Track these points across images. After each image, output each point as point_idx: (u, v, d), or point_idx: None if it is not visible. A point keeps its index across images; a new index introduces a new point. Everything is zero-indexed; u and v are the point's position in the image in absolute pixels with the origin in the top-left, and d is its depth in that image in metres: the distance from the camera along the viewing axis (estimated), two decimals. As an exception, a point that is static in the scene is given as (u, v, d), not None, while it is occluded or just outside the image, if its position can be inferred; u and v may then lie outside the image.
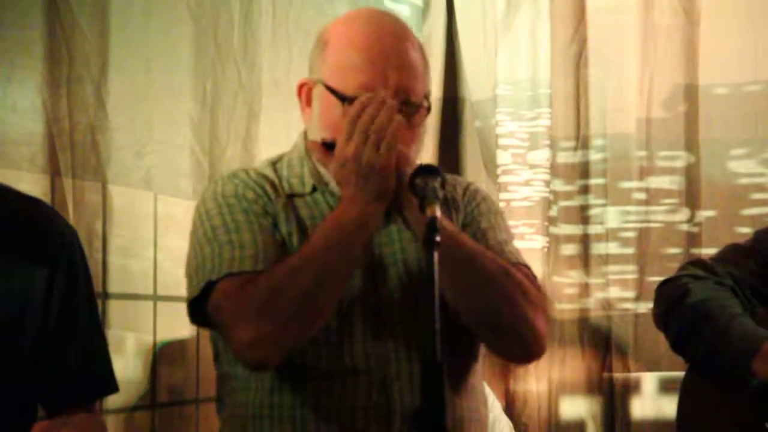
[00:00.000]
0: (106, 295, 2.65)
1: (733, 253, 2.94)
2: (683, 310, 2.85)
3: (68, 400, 2.03)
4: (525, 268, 2.18)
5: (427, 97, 2.17)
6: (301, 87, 2.21)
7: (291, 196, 2.15)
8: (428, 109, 2.17)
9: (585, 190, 4.24)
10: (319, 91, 2.15)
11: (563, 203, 4.25)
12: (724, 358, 2.77)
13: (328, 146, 2.10)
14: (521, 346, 2.14)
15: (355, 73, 2.10)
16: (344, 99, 2.09)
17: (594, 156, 4.24)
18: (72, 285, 2.00)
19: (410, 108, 2.11)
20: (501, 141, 4.28)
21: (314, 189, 2.16)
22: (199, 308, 2.08)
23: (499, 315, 2.08)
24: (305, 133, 2.23)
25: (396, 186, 2.02)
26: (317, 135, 2.15)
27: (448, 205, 2.22)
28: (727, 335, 2.76)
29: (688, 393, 2.94)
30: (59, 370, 2.00)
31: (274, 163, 2.23)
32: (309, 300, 1.97)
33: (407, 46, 2.14)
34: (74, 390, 2.03)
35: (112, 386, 2.12)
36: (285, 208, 2.13)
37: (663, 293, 2.95)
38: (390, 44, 2.12)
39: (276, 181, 2.17)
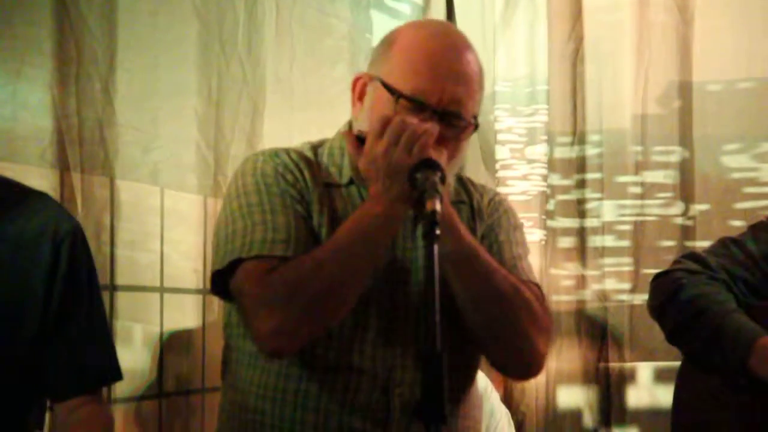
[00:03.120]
0: (114, 287, 2.65)
1: (726, 247, 2.93)
2: (678, 305, 2.86)
3: (72, 389, 2.03)
4: (534, 287, 2.19)
5: (475, 116, 2.16)
6: (356, 80, 2.20)
7: (328, 186, 2.15)
8: (476, 128, 2.16)
9: (582, 184, 4.28)
10: (374, 87, 2.14)
11: (560, 197, 4.29)
12: (719, 354, 2.78)
13: (362, 140, 2.08)
14: (520, 363, 2.17)
15: (414, 76, 2.09)
16: (399, 96, 2.09)
17: (590, 151, 4.27)
18: (73, 276, 2.01)
19: (460, 122, 2.11)
20: (499, 136, 4.31)
21: (351, 181, 2.16)
22: (221, 279, 2.09)
23: (504, 331, 2.10)
24: (349, 124, 2.22)
25: None
26: (360, 128, 2.14)
27: (474, 213, 2.25)
28: (721, 332, 2.77)
29: (684, 381, 2.94)
30: (61, 360, 2.00)
31: (315, 148, 2.22)
32: (330, 293, 1.98)
33: (470, 62, 2.14)
34: (77, 379, 2.03)
35: (115, 375, 2.12)
36: (320, 198, 2.13)
37: (657, 286, 2.95)
38: (453, 57, 2.12)
39: (316, 167, 2.17)
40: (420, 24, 2.28)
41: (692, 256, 2.98)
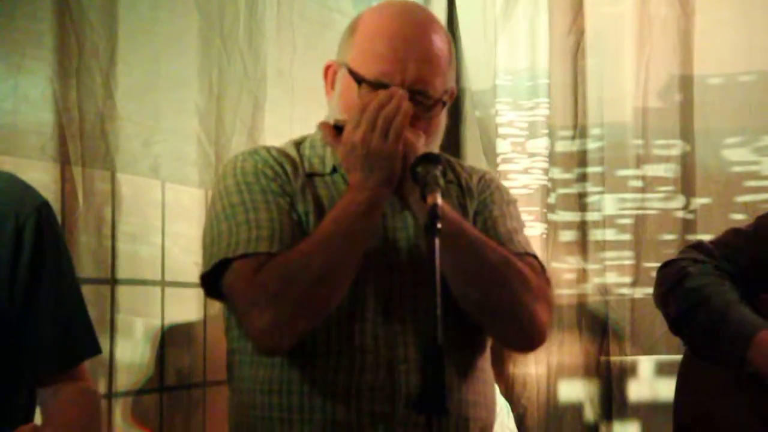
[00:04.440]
0: (115, 281, 2.67)
1: (733, 238, 2.92)
2: (682, 293, 2.85)
3: (49, 368, 2.00)
4: (532, 259, 2.19)
5: (447, 91, 2.17)
6: (327, 68, 2.22)
7: (310, 176, 2.16)
8: (444, 104, 2.17)
9: (583, 177, 4.27)
10: (342, 74, 2.16)
11: (561, 191, 4.29)
12: (720, 344, 2.77)
13: (339, 129, 2.10)
14: (521, 335, 2.16)
15: (376, 60, 2.11)
16: (360, 81, 2.11)
17: (591, 145, 4.27)
18: (39, 256, 1.97)
19: (427, 100, 2.12)
20: (500, 130, 4.31)
21: (334, 170, 2.17)
22: (212, 282, 2.10)
23: (499, 304, 2.10)
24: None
25: (402, 173, 2.03)
26: (335, 116, 2.16)
27: (463, 192, 2.24)
28: (723, 322, 2.76)
29: (686, 373, 2.93)
30: (33, 340, 1.97)
31: (297, 144, 2.23)
32: (320, 285, 1.99)
33: (433, 39, 2.14)
34: (52, 358, 1.99)
35: (91, 349, 2.08)
36: (303, 188, 2.13)
37: (663, 275, 2.94)
38: (415, 36, 2.12)
39: (297, 160, 2.18)
40: (382, 6, 2.26)
41: (699, 246, 2.97)
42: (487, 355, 2.25)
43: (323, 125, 2.19)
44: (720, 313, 2.78)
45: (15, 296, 1.95)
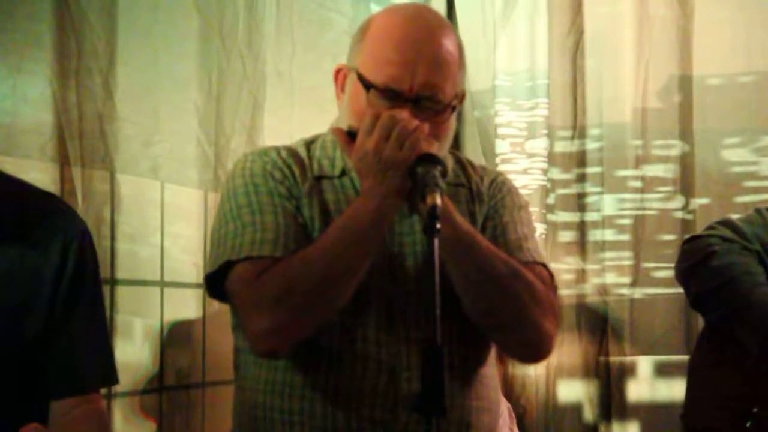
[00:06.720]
0: (114, 281, 2.67)
1: (763, 217, 2.89)
2: (706, 271, 2.82)
3: (68, 389, 2.03)
4: (540, 267, 2.19)
5: (457, 96, 2.15)
6: (338, 72, 2.21)
7: (319, 178, 2.15)
8: (453, 108, 2.14)
9: (582, 178, 4.27)
10: (351, 78, 2.15)
11: (561, 191, 4.29)
12: (743, 327, 2.76)
13: (352, 135, 2.08)
14: (527, 347, 2.17)
15: (385, 65, 2.08)
16: (369, 87, 2.09)
17: (591, 145, 4.27)
18: (79, 278, 2.01)
19: (437, 105, 2.10)
20: (500, 130, 4.30)
21: (343, 172, 2.17)
22: (216, 282, 2.10)
23: (507, 317, 2.10)
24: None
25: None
26: (345, 121, 2.15)
27: (473, 196, 2.23)
28: (748, 304, 2.74)
29: (695, 374, 2.93)
30: (59, 360, 2.00)
31: (308, 144, 2.23)
32: (322, 292, 1.98)
33: (443, 44, 2.12)
34: (73, 380, 2.03)
35: (112, 378, 2.13)
36: (311, 191, 2.13)
37: (688, 250, 2.90)
38: (424, 40, 2.10)
39: (306, 162, 2.17)
40: (392, 10, 2.24)
41: (727, 223, 2.91)
42: (492, 360, 2.25)
43: (336, 130, 2.16)
44: (744, 295, 2.75)
45: (53, 313, 1.99)
